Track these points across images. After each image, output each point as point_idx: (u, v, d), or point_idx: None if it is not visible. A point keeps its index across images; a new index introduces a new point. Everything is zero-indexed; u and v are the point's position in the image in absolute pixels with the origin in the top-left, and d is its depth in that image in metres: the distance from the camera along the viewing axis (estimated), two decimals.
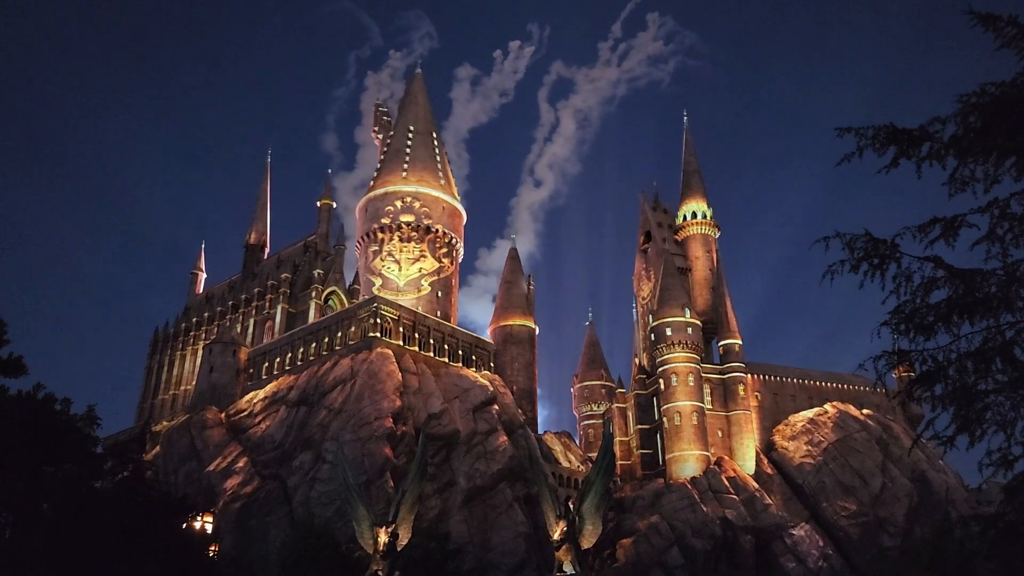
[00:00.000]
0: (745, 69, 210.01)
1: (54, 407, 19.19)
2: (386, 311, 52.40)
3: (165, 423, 59.45)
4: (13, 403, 18.35)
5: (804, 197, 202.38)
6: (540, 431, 61.34)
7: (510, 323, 64.06)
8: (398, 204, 64.70)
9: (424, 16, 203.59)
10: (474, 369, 54.96)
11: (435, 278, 63.49)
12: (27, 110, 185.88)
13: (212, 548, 30.94)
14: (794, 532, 51.41)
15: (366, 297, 56.45)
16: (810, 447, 56.70)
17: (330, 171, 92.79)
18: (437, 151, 69.21)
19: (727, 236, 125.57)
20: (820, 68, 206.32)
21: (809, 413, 59.64)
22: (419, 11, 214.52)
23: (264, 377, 55.36)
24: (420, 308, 58.61)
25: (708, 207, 69.14)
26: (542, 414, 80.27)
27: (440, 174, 67.82)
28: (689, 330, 58.33)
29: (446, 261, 64.72)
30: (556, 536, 14.63)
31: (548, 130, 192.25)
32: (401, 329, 52.64)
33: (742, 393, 58.87)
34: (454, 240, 66.00)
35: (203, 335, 66.89)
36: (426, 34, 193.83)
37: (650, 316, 62.62)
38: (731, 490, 52.53)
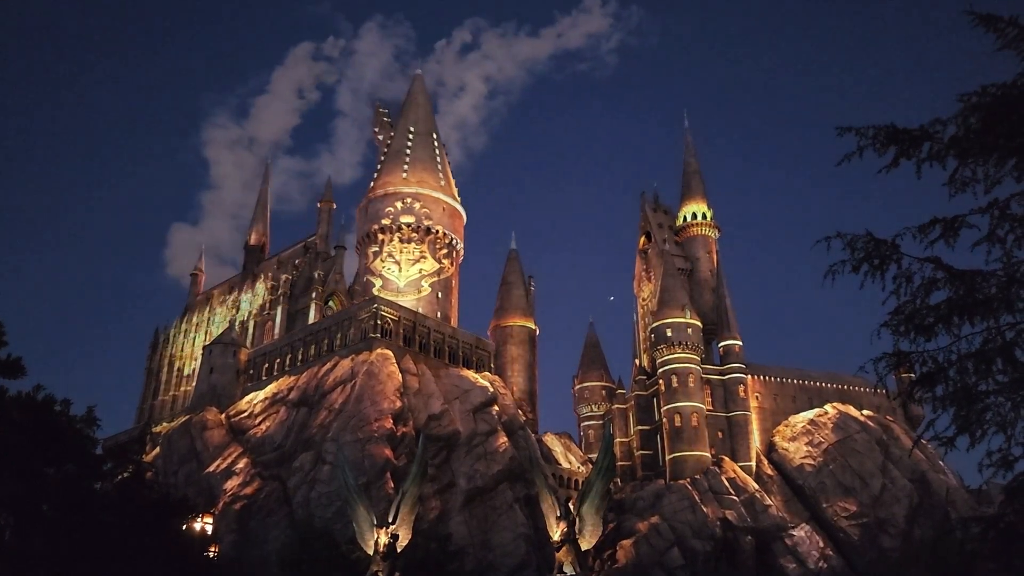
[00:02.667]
0: (745, 69, 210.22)
1: (54, 408, 19.17)
2: (386, 312, 52.41)
3: (165, 424, 59.47)
4: (12, 404, 18.33)
5: (805, 197, 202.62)
6: (540, 432, 61.32)
7: (510, 324, 64.06)
8: (398, 205, 64.70)
9: None
10: (474, 370, 54.95)
11: (435, 279, 63.49)
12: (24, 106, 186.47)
13: (212, 549, 30.87)
14: (794, 533, 51.40)
15: (366, 298, 56.47)
16: (810, 448, 56.69)
17: (330, 172, 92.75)
18: (437, 152, 69.24)
19: (727, 237, 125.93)
20: (820, 68, 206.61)
21: (809, 414, 59.64)
22: None
23: (264, 378, 55.38)
24: (420, 309, 58.61)
25: (708, 208, 69.15)
26: (542, 415, 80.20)
27: (440, 175, 67.85)
28: (689, 331, 58.31)
29: (446, 262, 64.72)
30: (556, 537, 14.62)
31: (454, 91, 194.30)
32: (401, 330, 52.64)
33: (742, 394, 58.86)
34: (454, 241, 66.02)
35: (204, 336, 66.90)
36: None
37: (650, 317, 62.63)
38: (731, 491, 52.52)
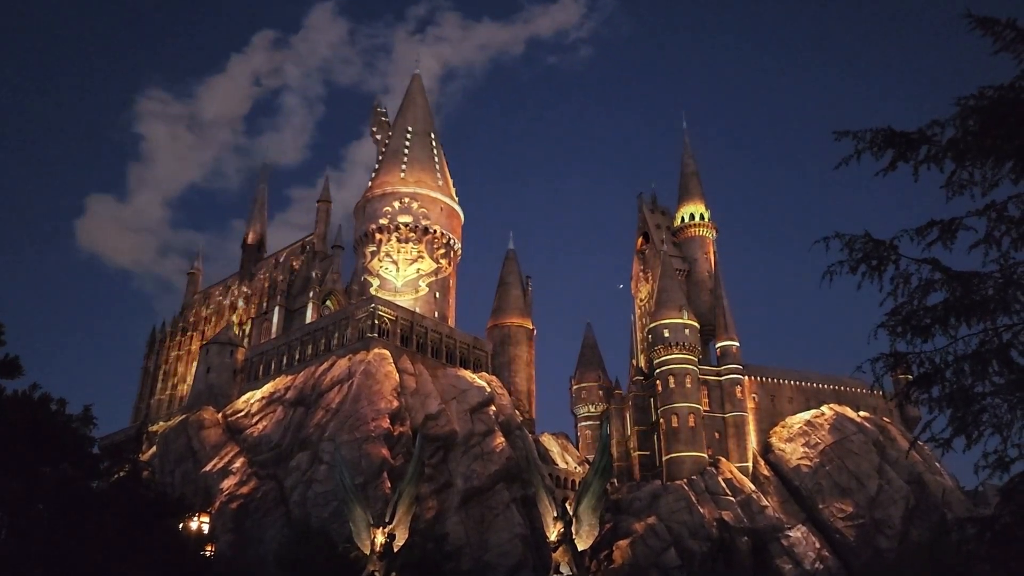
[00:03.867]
0: (742, 70, 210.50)
1: (50, 407, 19.15)
2: (384, 312, 52.39)
3: (162, 423, 59.37)
4: (9, 403, 18.31)
5: (803, 199, 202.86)
6: (537, 432, 61.30)
7: (508, 324, 64.06)
8: (396, 205, 64.67)
9: None
10: (472, 370, 54.92)
11: (433, 279, 63.46)
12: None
13: (208, 548, 30.84)
14: (791, 534, 51.46)
15: (364, 298, 56.44)
16: (807, 449, 56.76)
17: (328, 171, 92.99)
18: (435, 152, 69.22)
19: (725, 238, 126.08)
20: (817, 70, 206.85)
21: (806, 415, 59.70)
22: None
23: (261, 377, 55.32)
24: (418, 309, 58.58)
25: (706, 209, 69.21)
26: (539, 415, 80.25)
27: (438, 175, 67.83)
28: (687, 332, 58.36)
29: (444, 262, 64.70)
30: (553, 537, 14.62)
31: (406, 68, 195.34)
32: (399, 330, 52.62)
33: (739, 395, 58.92)
34: (452, 241, 66.00)
35: (200, 335, 66.83)
36: None
37: (648, 318, 62.68)
38: (728, 492, 52.58)
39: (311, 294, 60.76)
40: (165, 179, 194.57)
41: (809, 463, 55.82)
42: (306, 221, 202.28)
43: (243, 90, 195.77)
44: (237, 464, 46.16)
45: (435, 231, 64.62)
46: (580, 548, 14.72)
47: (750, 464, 56.28)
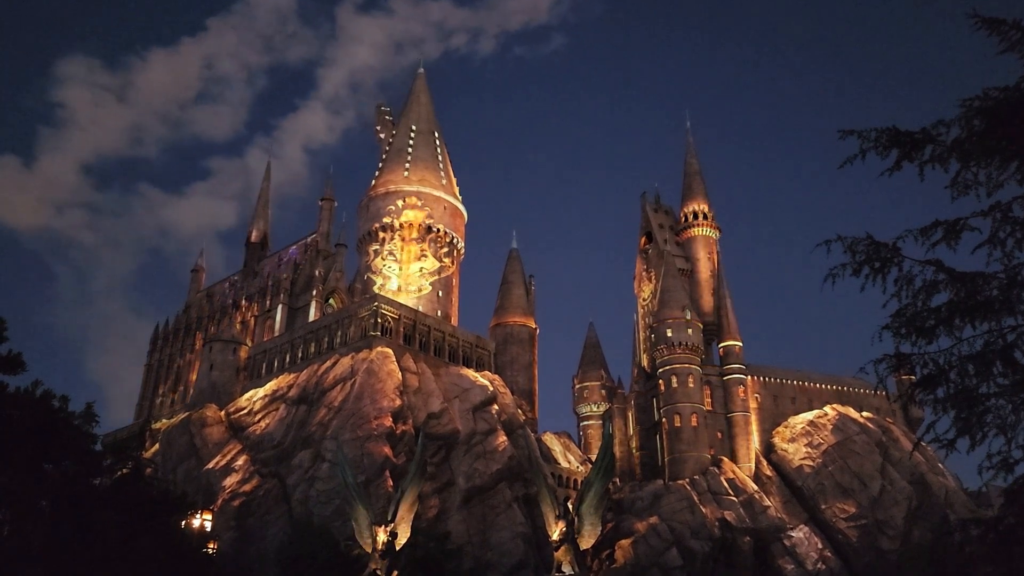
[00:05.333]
0: (747, 70, 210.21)
1: (52, 404, 19.17)
2: (386, 310, 52.40)
3: (165, 421, 59.45)
4: (12, 400, 18.33)
5: (806, 199, 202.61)
6: (540, 431, 61.31)
7: (510, 323, 64.04)
8: (399, 203, 64.70)
9: None
10: (474, 369, 54.92)
11: (436, 278, 63.48)
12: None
13: (211, 546, 30.93)
14: (793, 534, 51.40)
15: (366, 296, 56.46)
16: (809, 449, 56.67)
17: (331, 170, 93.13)
18: (439, 151, 69.22)
19: (728, 238, 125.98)
20: (822, 70, 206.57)
21: (809, 415, 59.60)
22: None
23: (264, 375, 55.37)
24: (421, 308, 58.60)
25: (709, 208, 69.13)
26: (542, 414, 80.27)
27: (442, 174, 67.83)
28: (689, 331, 58.29)
29: (447, 261, 64.71)
30: (555, 536, 14.64)
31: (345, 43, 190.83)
32: (401, 329, 52.62)
33: (742, 395, 58.84)
34: (455, 240, 66.00)
35: (204, 333, 66.89)
36: None
37: (651, 317, 62.62)
38: (730, 492, 52.52)
39: (314, 292, 60.78)
40: (79, 145, 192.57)
41: (812, 463, 55.74)
42: (227, 191, 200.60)
43: (180, 63, 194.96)
44: (239, 462, 46.21)
45: (438, 230, 64.62)
46: (582, 547, 14.73)
47: (752, 464, 56.21)
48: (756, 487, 53.98)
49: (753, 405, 59.48)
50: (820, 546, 51.23)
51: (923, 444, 38.49)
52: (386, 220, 64.17)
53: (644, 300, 67.15)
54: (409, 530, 15.93)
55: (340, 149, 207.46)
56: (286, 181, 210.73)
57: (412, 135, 68.37)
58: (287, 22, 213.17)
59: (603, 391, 69.45)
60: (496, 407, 49.78)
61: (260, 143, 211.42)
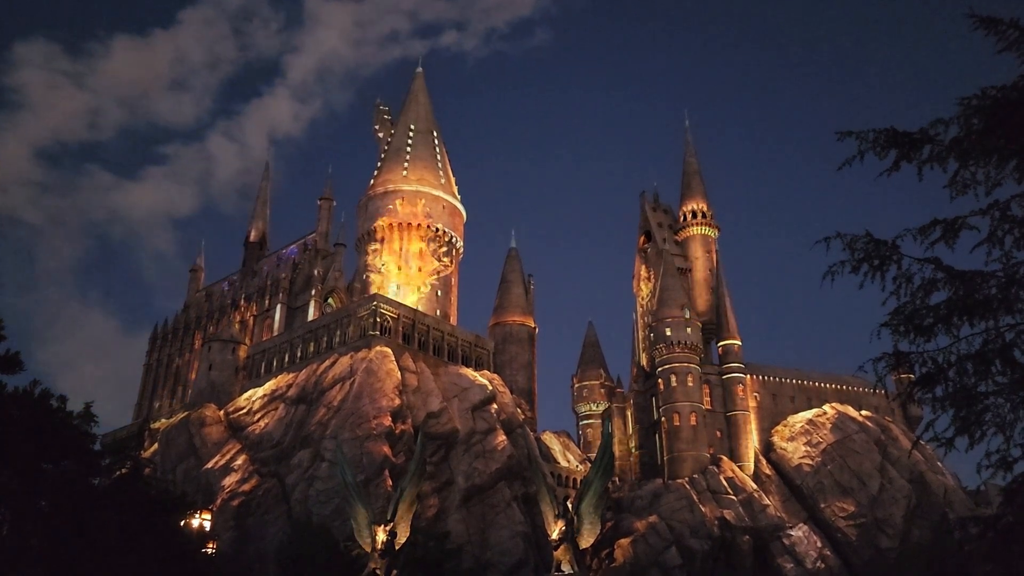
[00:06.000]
0: (746, 69, 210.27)
1: (50, 403, 19.13)
2: (385, 310, 52.40)
3: (164, 420, 59.43)
4: (10, 400, 18.30)
5: (805, 198, 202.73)
6: (539, 431, 61.32)
7: (509, 322, 64.04)
8: (398, 203, 64.69)
9: None
10: (473, 368, 54.93)
11: (435, 277, 63.48)
12: None
13: (210, 545, 30.88)
14: (792, 533, 51.42)
15: (365, 296, 56.45)
16: (809, 448, 56.70)
17: (331, 169, 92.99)
18: (438, 150, 69.22)
19: (727, 236, 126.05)
20: (821, 69, 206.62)
21: (808, 414, 59.64)
22: None
23: (263, 375, 55.37)
24: (420, 307, 58.61)
25: (708, 207, 69.15)
26: (541, 413, 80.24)
27: (440, 173, 67.82)
28: (688, 330, 58.30)
29: (446, 260, 64.71)
30: (554, 535, 14.64)
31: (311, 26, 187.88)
32: (400, 328, 52.62)
33: (741, 394, 58.86)
34: (454, 239, 66.01)
35: (203, 332, 66.89)
36: None
37: (650, 316, 62.62)
38: (729, 491, 52.54)
39: (313, 292, 60.78)
40: (33, 129, 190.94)
41: (811, 462, 55.77)
42: (185, 177, 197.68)
43: (144, 50, 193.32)
44: (239, 461, 46.21)
45: (437, 229, 64.63)
46: (581, 546, 14.73)
47: (751, 463, 56.24)
48: (755, 486, 54.00)
49: (752, 404, 59.50)
50: (819, 545, 51.26)
51: (922, 443, 38.54)
52: (385, 219, 64.16)
53: (643, 299, 67.16)
54: (408, 529, 15.92)
55: (305, 140, 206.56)
56: (250, 168, 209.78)
57: (411, 134, 68.36)
58: (255, 8, 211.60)
59: (602, 390, 69.44)
60: (495, 406, 49.80)
61: (222, 130, 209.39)
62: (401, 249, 63.43)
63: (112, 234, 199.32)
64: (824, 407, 60.39)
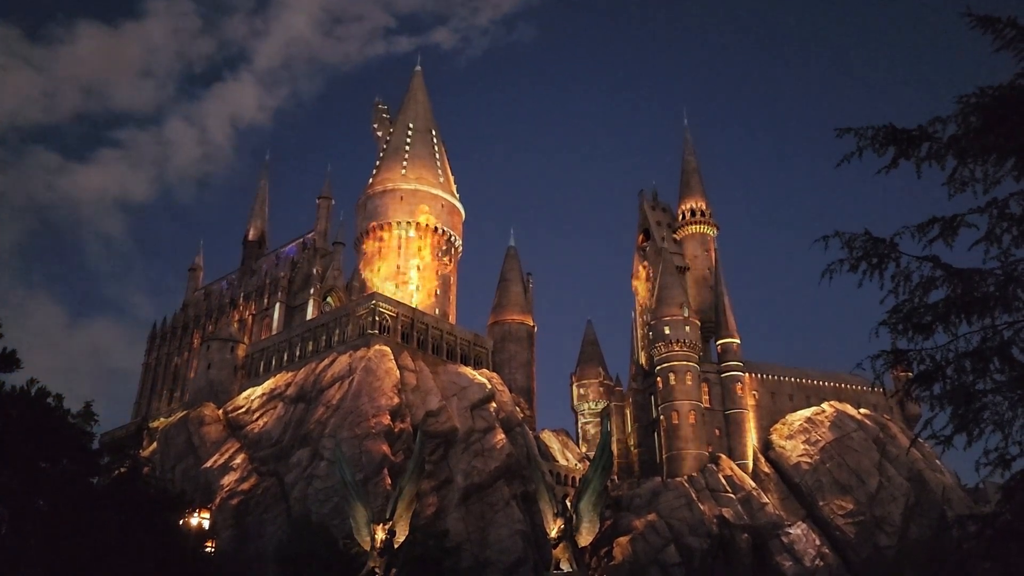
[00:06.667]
0: (744, 67, 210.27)
1: (47, 402, 19.11)
2: (384, 309, 52.38)
3: (162, 419, 59.40)
4: (8, 399, 18.29)
5: (803, 196, 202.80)
6: (538, 429, 61.33)
7: (508, 321, 64.03)
8: (397, 201, 64.66)
9: None
10: (472, 367, 54.93)
11: (434, 276, 63.45)
12: None
13: (209, 544, 30.90)
14: (791, 531, 51.44)
15: (364, 294, 56.42)
16: (807, 446, 56.73)
17: (329, 168, 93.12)
18: (436, 149, 69.19)
19: (726, 235, 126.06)
20: (819, 67, 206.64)
21: (806, 412, 59.67)
22: None
23: (262, 374, 55.33)
24: (419, 306, 58.59)
25: (707, 205, 69.17)
26: (540, 412, 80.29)
27: (439, 172, 67.79)
28: (687, 329, 58.32)
29: (445, 259, 64.69)
30: (553, 534, 14.65)
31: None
32: (399, 327, 52.62)
33: (740, 392, 58.88)
34: (453, 238, 66.01)
35: (201, 331, 66.85)
36: None
37: (648, 315, 62.62)
38: (728, 489, 52.57)
39: (312, 291, 60.73)
40: None
41: (809, 460, 55.80)
42: (139, 162, 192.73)
43: (106, 35, 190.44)
44: (238, 460, 46.20)
45: (436, 228, 64.60)
46: (580, 545, 14.75)
47: (750, 461, 56.27)
48: (754, 484, 54.03)
49: (751, 402, 59.53)
50: (818, 543, 51.29)
51: (920, 440, 38.62)
52: (383, 218, 64.13)
53: (642, 297, 67.16)
54: (407, 528, 15.94)
55: (273, 128, 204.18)
56: (210, 155, 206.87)
57: (409, 133, 68.33)
58: None
59: (601, 388, 69.45)
60: (494, 405, 49.81)
61: (182, 115, 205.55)
62: (400, 248, 63.40)
63: (57, 218, 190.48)
64: (823, 405, 60.41)
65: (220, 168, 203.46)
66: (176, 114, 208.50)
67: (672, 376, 57.19)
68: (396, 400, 45.33)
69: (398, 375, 47.47)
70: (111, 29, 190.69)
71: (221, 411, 52.72)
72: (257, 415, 50.19)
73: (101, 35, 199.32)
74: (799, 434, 57.85)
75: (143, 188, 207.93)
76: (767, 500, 52.94)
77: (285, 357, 54.99)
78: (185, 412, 53.74)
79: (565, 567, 14.30)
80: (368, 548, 15.70)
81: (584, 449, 64.70)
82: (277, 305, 61.88)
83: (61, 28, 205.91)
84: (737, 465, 55.42)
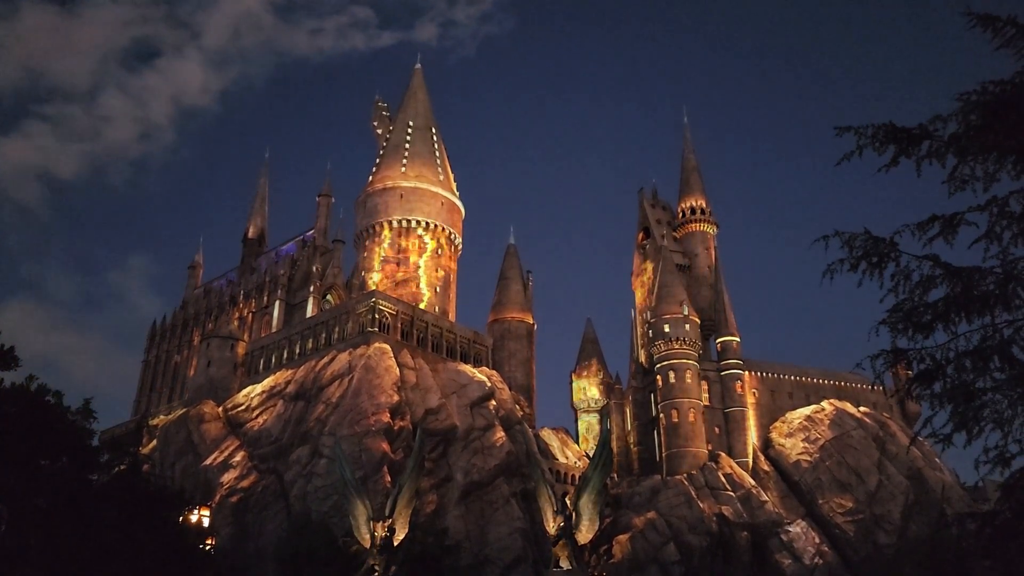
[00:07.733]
0: (745, 66, 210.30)
1: (46, 399, 19.07)
2: (384, 306, 52.38)
3: (162, 417, 59.42)
4: (6, 395, 18.25)
5: (803, 195, 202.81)
6: (537, 427, 61.33)
7: (508, 319, 64.02)
8: (397, 199, 64.63)
9: None
10: (472, 365, 54.94)
11: (433, 274, 63.43)
12: None
13: (209, 542, 30.88)
14: (790, 529, 51.49)
15: (364, 292, 56.42)
16: (807, 444, 56.77)
17: (329, 166, 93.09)
18: (436, 147, 69.12)
19: (726, 233, 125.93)
20: (819, 66, 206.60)
21: (806, 410, 59.70)
22: None
23: (262, 371, 55.35)
24: (418, 304, 58.57)
25: (707, 203, 69.16)
26: (540, 410, 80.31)
27: (439, 169, 67.74)
28: (687, 327, 58.35)
29: (445, 257, 64.67)
30: (553, 531, 14.67)
31: None
32: (399, 324, 52.63)
33: (739, 390, 58.92)
34: (453, 236, 65.97)
35: (201, 329, 66.86)
36: None
37: (648, 313, 62.64)
38: (728, 487, 52.61)
39: (312, 288, 60.72)
40: None
41: (809, 458, 55.84)
42: (69, 136, 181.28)
43: (49, 12, 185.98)
44: (237, 458, 46.23)
45: (436, 226, 64.57)
46: (580, 542, 14.76)
47: (750, 459, 56.31)
48: (754, 482, 54.07)
49: (751, 400, 59.56)
50: (817, 541, 51.34)
51: (920, 439, 38.62)
52: (383, 216, 64.11)
53: (642, 295, 67.18)
54: (407, 526, 15.96)
55: (218, 109, 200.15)
56: (149, 135, 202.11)
57: (409, 131, 68.26)
58: None
59: (601, 386, 69.49)
60: (494, 403, 49.82)
61: (118, 90, 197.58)
62: (400, 246, 63.38)
63: None
64: (822, 403, 60.45)
65: (159, 149, 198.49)
66: (111, 91, 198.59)
67: (672, 374, 57.21)
68: (396, 398, 45.34)
69: (398, 373, 47.48)
70: (58, 7, 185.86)
71: (221, 409, 52.74)
72: (257, 413, 50.21)
73: (46, 12, 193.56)
74: (799, 432, 57.88)
75: (71, 163, 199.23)
76: (767, 498, 52.98)
77: (285, 355, 55.00)
78: (185, 410, 53.77)
79: (565, 565, 14.31)
80: (368, 546, 15.71)
81: (584, 447, 64.72)
82: (277, 303, 61.86)
83: (4, 4, 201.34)
84: (737, 463, 55.46)
